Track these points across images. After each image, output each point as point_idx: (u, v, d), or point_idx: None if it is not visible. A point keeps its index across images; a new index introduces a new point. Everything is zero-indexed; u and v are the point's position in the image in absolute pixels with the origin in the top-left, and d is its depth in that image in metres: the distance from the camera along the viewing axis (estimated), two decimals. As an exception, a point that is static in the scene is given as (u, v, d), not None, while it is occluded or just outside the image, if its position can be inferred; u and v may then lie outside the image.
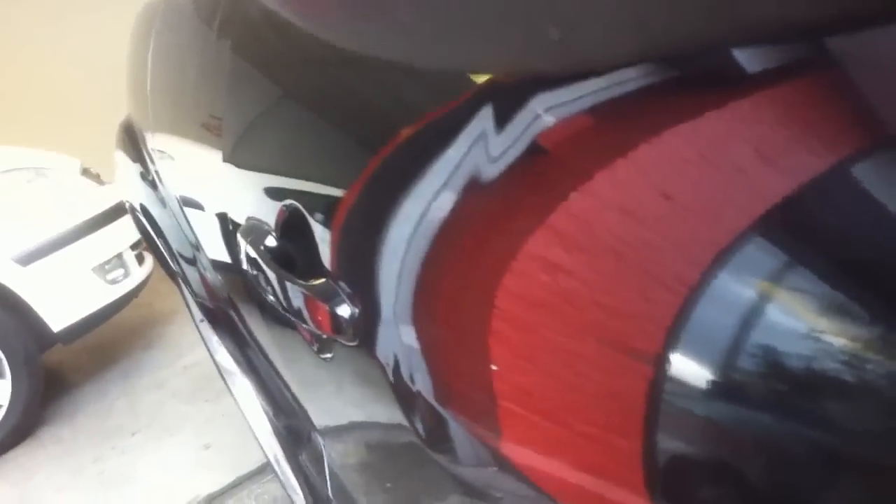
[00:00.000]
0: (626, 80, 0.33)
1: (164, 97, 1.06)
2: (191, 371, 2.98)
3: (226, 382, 1.18)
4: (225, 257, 0.84)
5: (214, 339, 1.15)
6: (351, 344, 0.53)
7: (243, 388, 1.09)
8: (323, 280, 0.55)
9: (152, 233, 1.23)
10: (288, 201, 0.63)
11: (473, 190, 0.40)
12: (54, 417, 2.91)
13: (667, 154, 0.31)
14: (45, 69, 4.19)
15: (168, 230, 1.15)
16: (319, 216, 0.57)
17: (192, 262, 1.10)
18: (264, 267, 0.65)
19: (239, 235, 0.73)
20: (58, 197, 2.82)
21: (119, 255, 2.89)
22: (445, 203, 0.41)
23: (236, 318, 0.98)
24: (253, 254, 0.67)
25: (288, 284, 0.60)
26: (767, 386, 0.26)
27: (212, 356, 1.21)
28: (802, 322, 0.26)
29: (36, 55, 4.19)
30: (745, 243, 0.27)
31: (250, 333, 0.93)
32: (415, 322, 0.44)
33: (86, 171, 3.03)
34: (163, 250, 1.21)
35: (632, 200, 0.31)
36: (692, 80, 0.32)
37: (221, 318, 1.07)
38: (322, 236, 0.57)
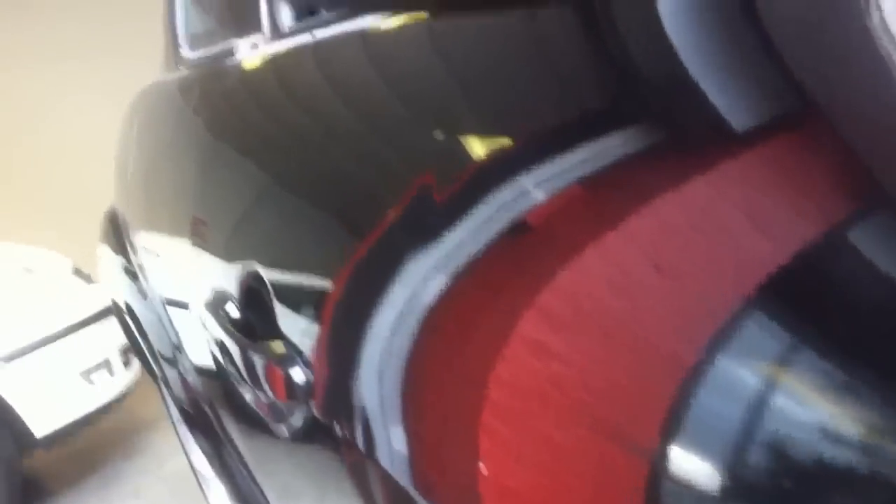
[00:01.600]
0: (611, 148, 0.32)
1: (147, 186, 1.05)
2: (171, 480, 2.86)
3: (201, 488, 1.13)
4: (207, 360, 0.81)
5: (192, 441, 1.11)
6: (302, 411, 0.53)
7: (219, 494, 1.04)
8: (279, 343, 0.56)
9: (136, 332, 1.20)
10: (250, 269, 0.62)
11: (459, 274, 0.38)
12: (28, 528, 2.77)
13: (656, 223, 0.29)
14: (41, 160, 4.14)
15: (150, 328, 1.12)
16: (307, 309, 0.56)
17: (174, 362, 1.06)
18: (223, 337, 0.64)
19: (203, 307, 0.72)
20: (45, 296, 2.76)
21: (106, 359, 2.82)
22: (431, 289, 0.39)
23: (215, 422, 0.94)
24: (214, 324, 0.66)
25: (248, 352, 0.60)
26: (776, 482, 0.24)
27: (188, 459, 1.16)
28: (811, 407, 0.23)
29: (34, 144, 4.14)
30: (743, 319, 0.25)
31: (228, 438, 0.89)
32: (401, 413, 0.42)
33: (77, 271, 2.99)
34: (145, 350, 1.17)
35: (620, 274, 0.29)
36: (677, 144, 0.31)
37: (200, 420, 1.03)
38: (302, 327, 0.55)
